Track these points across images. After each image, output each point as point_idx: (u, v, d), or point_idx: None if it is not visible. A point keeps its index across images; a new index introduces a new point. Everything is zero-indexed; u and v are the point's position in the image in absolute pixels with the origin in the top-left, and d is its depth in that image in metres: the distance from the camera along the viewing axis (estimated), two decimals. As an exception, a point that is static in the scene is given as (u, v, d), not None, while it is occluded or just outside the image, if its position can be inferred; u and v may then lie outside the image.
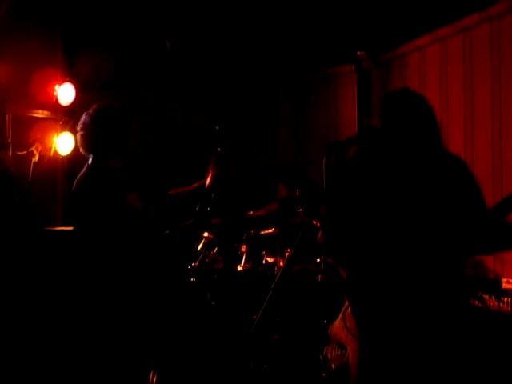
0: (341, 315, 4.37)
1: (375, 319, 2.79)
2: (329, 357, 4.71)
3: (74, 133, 3.78)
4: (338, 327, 4.42)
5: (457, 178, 2.73)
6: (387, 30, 6.36)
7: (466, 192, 2.71)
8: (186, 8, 6.40)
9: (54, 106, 5.65)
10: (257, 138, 7.58)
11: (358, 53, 6.36)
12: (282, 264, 5.00)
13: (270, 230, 5.23)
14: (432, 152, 2.78)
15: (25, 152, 4.96)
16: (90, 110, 3.59)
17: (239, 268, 5.47)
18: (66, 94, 5.59)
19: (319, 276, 5.00)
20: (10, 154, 4.91)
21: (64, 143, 5.44)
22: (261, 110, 7.62)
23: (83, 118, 3.60)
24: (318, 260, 5.08)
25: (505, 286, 4.74)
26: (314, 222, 4.62)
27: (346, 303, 3.59)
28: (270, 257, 5.18)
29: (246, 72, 7.28)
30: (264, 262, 5.29)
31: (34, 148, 4.49)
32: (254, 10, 6.44)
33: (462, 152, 5.53)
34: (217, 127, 3.58)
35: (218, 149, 3.73)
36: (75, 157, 4.51)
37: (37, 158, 4.44)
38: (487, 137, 5.34)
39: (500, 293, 4.65)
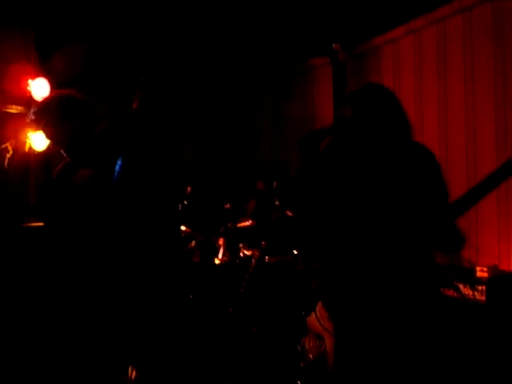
0: (317, 307, 4.46)
1: (346, 311, 2.80)
2: (307, 347, 4.76)
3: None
4: (314, 319, 4.51)
5: (423, 170, 2.72)
6: (362, 23, 6.39)
7: (429, 185, 2.71)
8: (163, 3, 6.44)
9: (28, 102, 5.55)
10: (241, 124, 7.74)
11: (333, 45, 6.36)
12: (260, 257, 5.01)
13: (247, 223, 5.23)
14: (399, 144, 2.78)
15: (-1, 148, 4.89)
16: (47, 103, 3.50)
17: (217, 261, 5.47)
18: (39, 89, 5.51)
19: (296, 267, 5.02)
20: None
21: (39, 139, 5.36)
22: (246, 99, 7.76)
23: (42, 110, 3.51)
24: (296, 252, 5.08)
25: (479, 274, 4.76)
26: (289, 213, 4.68)
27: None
28: (248, 249, 5.18)
29: (230, 65, 7.47)
30: (241, 254, 5.29)
31: (8, 144, 4.42)
32: (235, 5, 6.52)
33: (437, 139, 5.59)
34: (142, 80, 3.46)
35: (142, 79, 3.57)
36: (50, 152, 4.39)
37: (11, 153, 4.37)
38: (461, 124, 5.42)
39: (474, 281, 4.66)
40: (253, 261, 4.97)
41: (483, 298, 4.40)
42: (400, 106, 2.81)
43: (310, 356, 4.70)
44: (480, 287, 4.56)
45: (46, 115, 3.44)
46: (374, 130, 2.71)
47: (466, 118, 5.35)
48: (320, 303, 4.27)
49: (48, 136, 3.48)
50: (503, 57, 4.99)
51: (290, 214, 4.77)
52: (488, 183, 2.69)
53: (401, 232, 2.66)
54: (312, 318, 4.55)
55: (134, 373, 3.42)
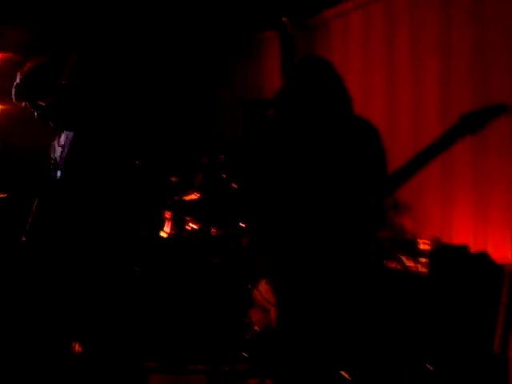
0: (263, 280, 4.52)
1: (288, 284, 2.80)
2: (253, 319, 4.86)
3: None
4: (261, 291, 4.60)
5: (362, 144, 2.70)
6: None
7: (368, 160, 2.70)
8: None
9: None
10: (190, 97, 7.81)
11: (283, 19, 6.35)
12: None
13: (194, 197, 5.22)
14: (338, 117, 2.76)
15: None
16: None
17: (163, 234, 5.45)
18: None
19: (243, 240, 5.04)
20: None
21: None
22: (195, 73, 7.84)
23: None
24: (242, 224, 5.05)
25: (422, 246, 4.86)
26: (235, 185, 4.71)
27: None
28: (194, 223, 5.17)
29: (180, 38, 7.49)
30: (188, 228, 5.28)
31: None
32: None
33: (384, 110, 5.66)
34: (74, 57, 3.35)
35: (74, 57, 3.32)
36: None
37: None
38: (408, 93, 5.51)
39: (417, 254, 4.78)
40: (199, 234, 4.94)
41: (425, 269, 4.45)
42: (339, 79, 2.78)
43: (256, 328, 4.81)
44: (422, 259, 4.67)
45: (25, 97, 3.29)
46: (310, 101, 2.71)
47: (413, 85, 5.44)
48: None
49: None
50: (448, 23, 5.09)
51: (236, 187, 4.78)
52: (428, 153, 2.70)
53: (340, 205, 2.67)
54: (258, 291, 4.63)
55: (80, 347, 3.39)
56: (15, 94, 3.25)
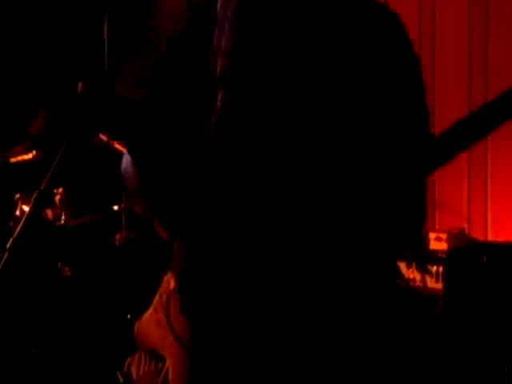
0: (155, 303, 2.96)
1: (221, 313, 1.90)
2: (134, 375, 3.25)
3: None
4: (149, 324, 2.69)
5: (380, 45, 1.76)
6: None
7: (392, 81, 1.77)
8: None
9: None
10: None
11: None
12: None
13: (29, 156, 3.50)
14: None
15: None
16: None
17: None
18: None
19: (118, 236, 3.56)
20: None
21: None
22: None
23: None
24: (117, 208, 3.60)
25: (434, 245, 3.51)
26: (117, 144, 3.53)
27: (168, 284, 2.28)
28: (28, 203, 3.48)
29: None
30: (18, 213, 3.55)
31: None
32: None
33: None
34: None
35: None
36: None
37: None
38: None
39: (426, 258, 3.48)
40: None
41: (439, 285, 3.34)
42: None
43: None
44: (434, 267, 3.42)
45: None
46: None
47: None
48: (170, 298, 2.52)
49: None
50: None
51: (118, 145, 3.43)
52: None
53: (343, 180, 1.79)
54: (144, 325, 2.86)
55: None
56: None
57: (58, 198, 3.51)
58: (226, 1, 1.80)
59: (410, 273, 3.40)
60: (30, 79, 5.54)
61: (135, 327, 3.06)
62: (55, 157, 3.44)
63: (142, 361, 3.19)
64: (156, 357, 3.08)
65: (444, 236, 3.38)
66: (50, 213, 3.63)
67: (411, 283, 3.38)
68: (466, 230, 3.56)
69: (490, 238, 3.63)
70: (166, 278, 2.42)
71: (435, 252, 3.41)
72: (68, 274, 3.45)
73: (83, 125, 3.62)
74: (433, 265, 3.36)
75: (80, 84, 3.60)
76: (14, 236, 2.07)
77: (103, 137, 3.38)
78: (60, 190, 3.49)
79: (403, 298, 2.94)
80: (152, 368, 3.18)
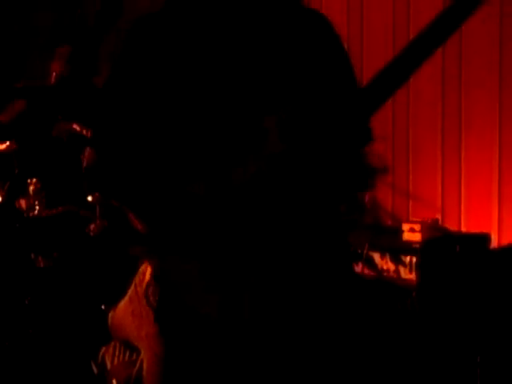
0: (130, 293, 2.76)
1: (196, 301, 1.94)
2: (108, 365, 3.24)
3: None
4: (124, 315, 2.82)
5: (313, 48, 1.91)
6: None
7: (326, 70, 1.90)
8: None
9: None
10: None
11: None
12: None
13: (2, 146, 3.51)
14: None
15: None
16: None
17: None
18: None
19: (92, 226, 3.53)
20: None
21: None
22: None
23: None
24: (91, 198, 3.55)
25: (407, 236, 3.45)
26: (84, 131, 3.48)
27: (143, 275, 2.34)
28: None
29: None
30: None
31: None
32: None
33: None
34: None
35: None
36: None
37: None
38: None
39: (399, 249, 3.43)
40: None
41: (412, 276, 3.31)
42: None
43: (114, 382, 3.22)
44: (407, 258, 3.37)
45: None
46: None
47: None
48: (143, 286, 2.55)
49: None
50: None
51: (87, 132, 3.37)
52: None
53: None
54: (119, 315, 2.88)
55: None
56: None
57: (31, 188, 3.50)
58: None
59: (384, 263, 3.38)
60: (4, 67, 5.54)
61: (109, 317, 3.10)
62: (29, 147, 3.45)
63: (117, 351, 3.19)
64: (130, 347, 3.01)
65: (418, 227, 3.36)
66: (23, 203, 3.62)
67: (385, 274, 3.36)
68: (440, 220, 3.57)
69: (464, 228, 3.65)
70: (141, 269, 2.35)
71: (409, 243, 3.37)
72: (42, 264, 3.45)
73: (59, 114, 3.65)
74: (406, 255, 3.33)
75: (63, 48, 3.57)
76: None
77: (77, 126, 3.39)
78: (34, 180, 3.49)
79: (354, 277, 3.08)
80: (126, 359, 3.16)
